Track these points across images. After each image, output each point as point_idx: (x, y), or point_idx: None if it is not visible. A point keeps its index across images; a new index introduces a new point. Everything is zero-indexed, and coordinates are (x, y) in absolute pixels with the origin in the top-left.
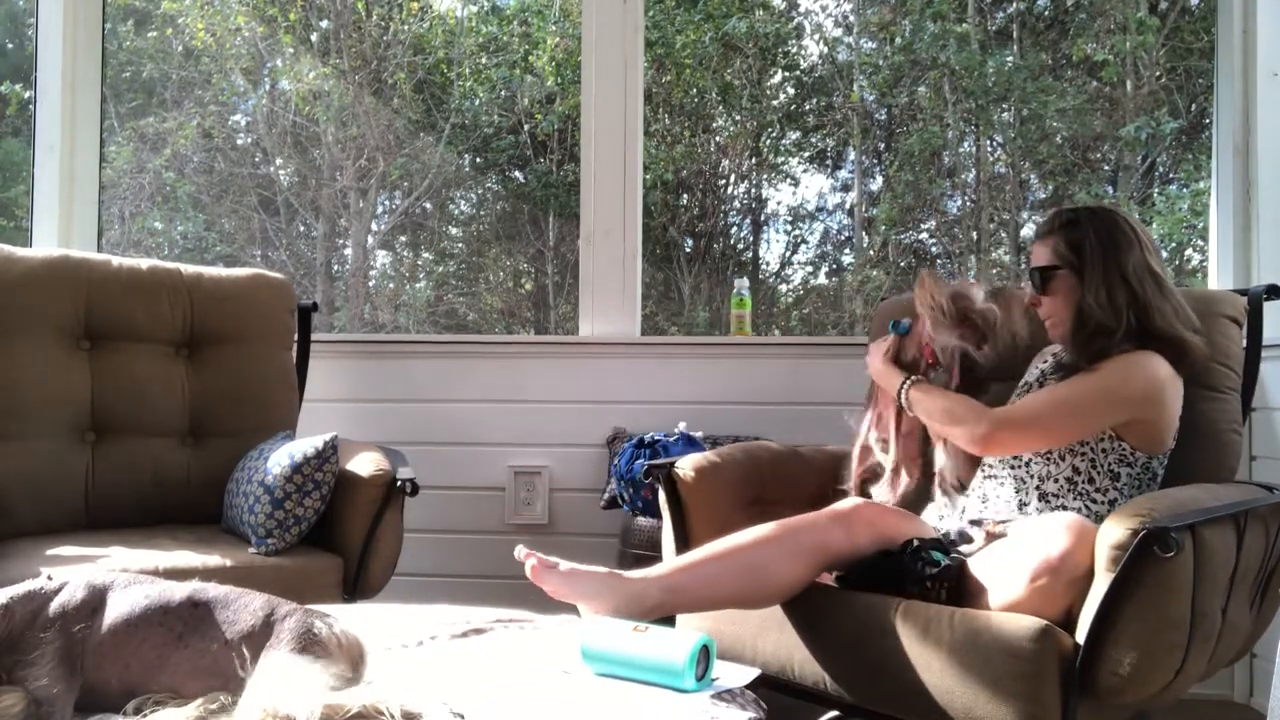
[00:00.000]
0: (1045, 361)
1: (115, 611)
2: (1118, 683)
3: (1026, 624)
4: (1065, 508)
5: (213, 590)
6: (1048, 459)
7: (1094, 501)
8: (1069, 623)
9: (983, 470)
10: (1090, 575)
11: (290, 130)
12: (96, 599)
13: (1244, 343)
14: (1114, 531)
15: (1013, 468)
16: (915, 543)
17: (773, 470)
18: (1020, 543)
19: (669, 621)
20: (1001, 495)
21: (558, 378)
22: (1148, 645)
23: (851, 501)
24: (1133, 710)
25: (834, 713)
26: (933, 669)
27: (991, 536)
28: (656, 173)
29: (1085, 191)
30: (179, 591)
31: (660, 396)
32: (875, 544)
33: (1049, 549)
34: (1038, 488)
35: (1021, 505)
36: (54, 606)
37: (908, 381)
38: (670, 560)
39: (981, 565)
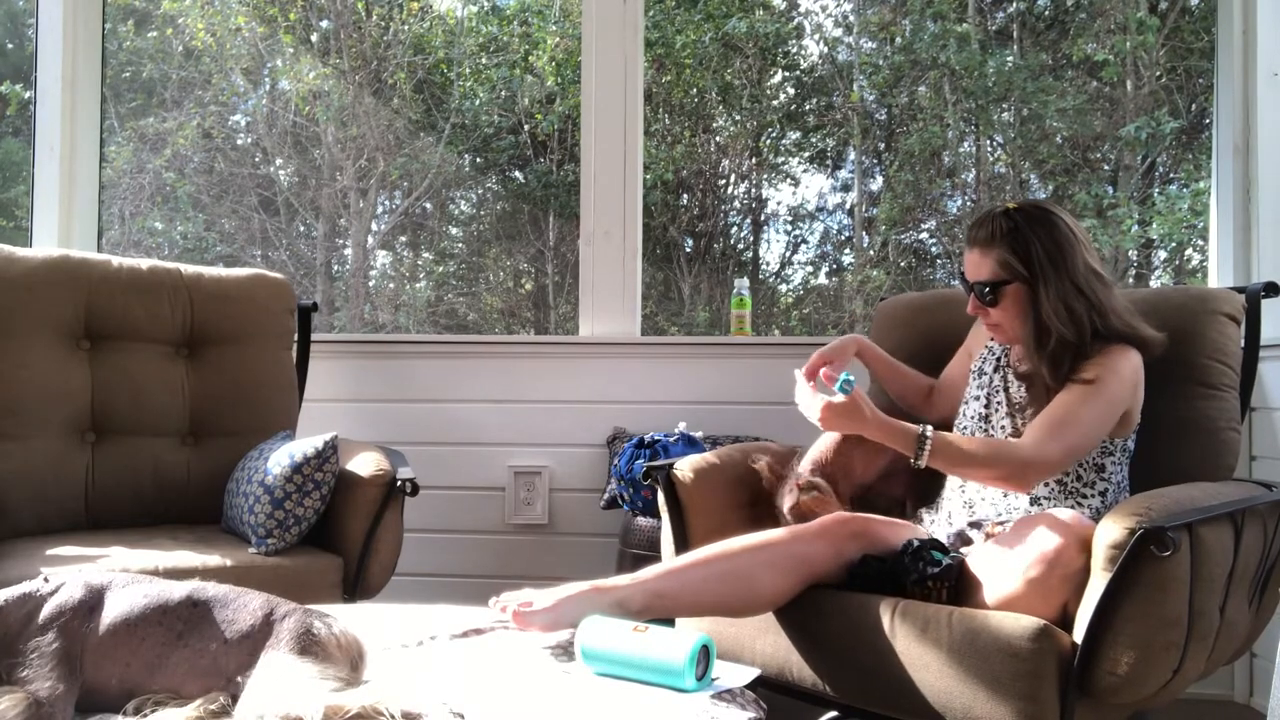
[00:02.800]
0: (992, 354)
1: (115, 611)
2: (1115, 682)
3: (1025, 623)
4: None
5: (212, 589)
6: None
7: (1084, 498)
8: (1066, 621)
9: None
10: (1086, 572)
11: (290, 130)
12: (94, 599)
13: (1242, 341)
14: (1111, 531)
15: None
16: (916, 543)
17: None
18: (1016, 539)
19: (668, 622)
20: (987, 499)
21: (558, 378)
22: (1145, 645)
23: (838, 514)
24: (1131, 710)
25: (833, 713)
26: (931, 669)
27: (991, 538)
28: (656, 173)
29: (1085, 192)
30: (178, 591)
31: (660, 396)
32: (864, 554)
33: (1044, 544)
34: (1028, 494)
35: (1010, 510)
36: (51, 607)
37: (927, 432)
38: (656, 565)
39: (978, 561)
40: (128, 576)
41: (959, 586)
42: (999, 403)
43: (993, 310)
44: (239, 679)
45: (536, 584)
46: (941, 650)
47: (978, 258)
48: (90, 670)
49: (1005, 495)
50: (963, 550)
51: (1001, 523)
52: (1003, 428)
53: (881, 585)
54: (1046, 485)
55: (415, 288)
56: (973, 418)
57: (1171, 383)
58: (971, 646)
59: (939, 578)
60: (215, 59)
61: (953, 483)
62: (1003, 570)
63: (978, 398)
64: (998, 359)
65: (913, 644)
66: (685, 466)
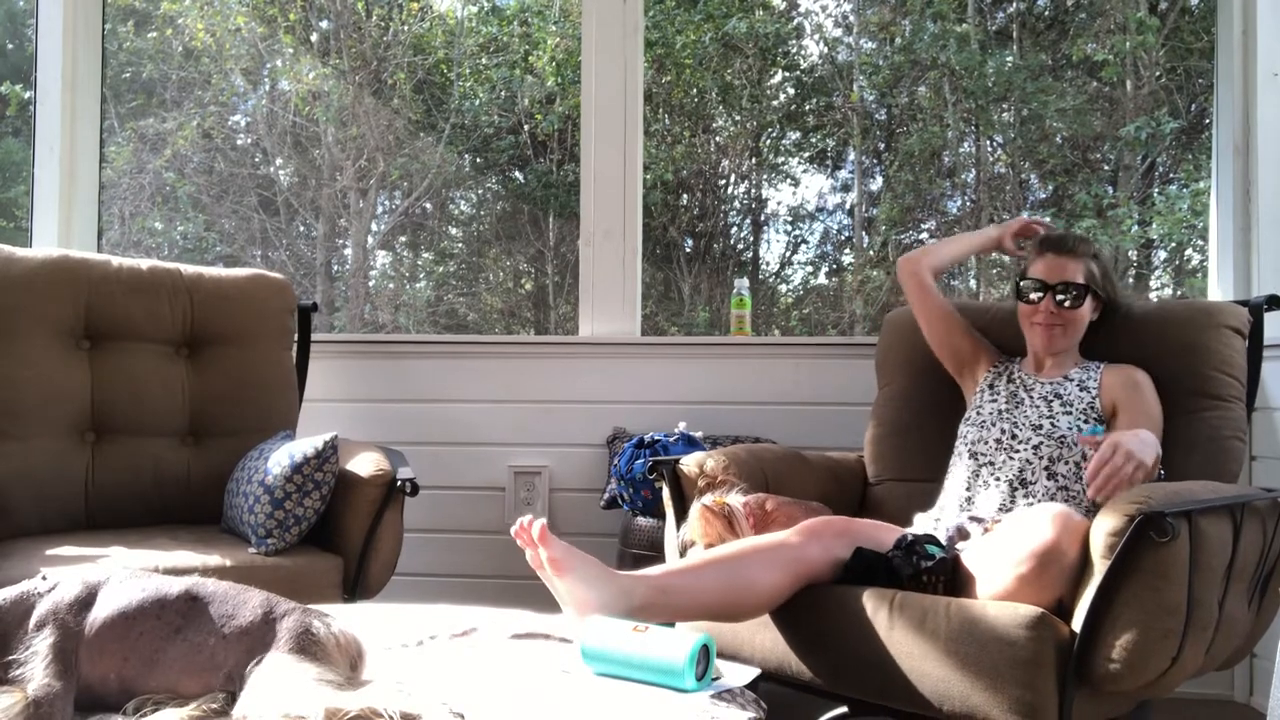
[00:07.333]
0: (999, 375)
1: (112, 604)
2: (1114, 670)
3: (1023, 613)
4: (1068, 489)
5: (210, 585)
6: (1061, 443)
7: (1079, 480)
8: (1062, 613)
9: (961, 466)
10: (1077, 566)
11: (290, 130)
12: (90, 595)
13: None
14: (1111, 518)
15: (1010, 454)
16: (910, 537)
17: (775, 471)
18: (1009, 534)
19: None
20: (992, 486)
21: (558, 378)
22: (1144, 631)
23: (822, 518)
24: (1130, 700)
25: (842, 709)
26: (930, 659)
27: (988, 533)
28: (656, 173)
29: (1085, 192)
30: (176, 585)
31: (660, 396)
32: (857, 547)
33: (1034, 540)
34: (1046, 468)
35: (1025, 484)
36: (47, 604)
37: None
38: (659, 565)
39: (972, 557)
40: (126, 572)
41: (954, 582)
42: (1021, 397)
43: (1071, 312)
44: (236, 676)
45: (536, 584)
46: (939, 641)
47: (1069, 263)
48: (86, 665)
49: (1014, 490)
50: (960, 545)
51: (1000, 520)
52: (1026, 418)
53: (875, 576)
54: (1065, 464)
55: (415, 288)
56: (990, 413)
57: (1178, 394)
58: (969, 636)
59: (933, 571)
60: (215, 59)
61: (953, 480)
62: (995, 566)
63: (993, 400)
64: (1008, 377)
65: (910, 635)
66: (691, 463)
